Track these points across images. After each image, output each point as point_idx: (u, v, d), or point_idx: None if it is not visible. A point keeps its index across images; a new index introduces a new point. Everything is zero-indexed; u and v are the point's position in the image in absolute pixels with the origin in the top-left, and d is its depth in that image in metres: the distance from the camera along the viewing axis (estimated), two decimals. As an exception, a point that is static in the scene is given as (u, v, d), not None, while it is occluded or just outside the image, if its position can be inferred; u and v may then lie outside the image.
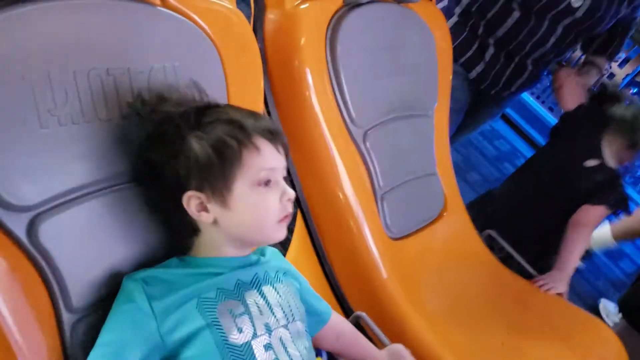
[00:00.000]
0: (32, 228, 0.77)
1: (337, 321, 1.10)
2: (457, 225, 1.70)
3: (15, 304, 0.76)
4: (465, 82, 2.00)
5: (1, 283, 0.75)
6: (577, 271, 1.84)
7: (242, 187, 0.83)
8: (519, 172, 2.19)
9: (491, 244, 1.85)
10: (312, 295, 1.03)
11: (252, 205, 0.84)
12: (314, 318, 1.01)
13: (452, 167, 1.76)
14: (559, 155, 1.99)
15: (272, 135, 0.85)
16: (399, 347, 1.17)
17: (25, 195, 0.76)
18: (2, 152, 0.74)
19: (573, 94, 2.01)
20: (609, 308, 2.86)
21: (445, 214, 1.67)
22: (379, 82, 1.46)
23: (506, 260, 1.81)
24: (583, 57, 2.15)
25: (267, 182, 0.84)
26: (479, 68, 1.97)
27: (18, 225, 0.76)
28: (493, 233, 1.85)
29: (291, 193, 0.86)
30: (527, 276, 1.78)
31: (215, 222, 0.85)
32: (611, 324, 2.37)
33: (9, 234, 0.76)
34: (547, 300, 1.66)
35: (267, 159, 0.84)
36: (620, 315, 2.27)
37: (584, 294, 2.85)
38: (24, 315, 0.77)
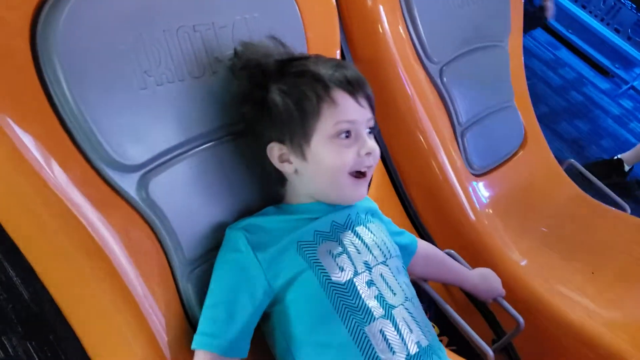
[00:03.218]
0: (141, 186, 0.81)
1: (423, 247, 1.13)
2: (538, 157, 1.66)
3: (133, 259, 0.80)
4: None
5: (119, 241, 0.79)
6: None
7: (319, 140, 0.83)
8: None
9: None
10: (396, 233, 1.04)
11: (327, 156, 0.84)
12: (401, 252, 1.03)
13: (529, 97, 1.71)
14: None
15: (353, 87, 0.84)
16: (488, 269, 1.21)
17: (133, 155, 0.79)
18: (109, 116, 0.76)
19: None
20: None
21: (525, 146, 1.63)
22: (452, 14, 1.41)
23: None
24: None
25: (347, 136, 0.84)
26: None
27: (129, 184, 0.80)
28: (574, 162, 1.80)
29: (370, 146, 0.85)
30: (611, 203, 1.73)
31: (296, 172, 0.87)
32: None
33: (122, 193, 0.80)
34: (637, 226, 1.62)
35: (344, 112, 0.83)
36: None
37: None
38: (142, 269, 0.81)
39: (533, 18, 2.05)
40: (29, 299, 1.05)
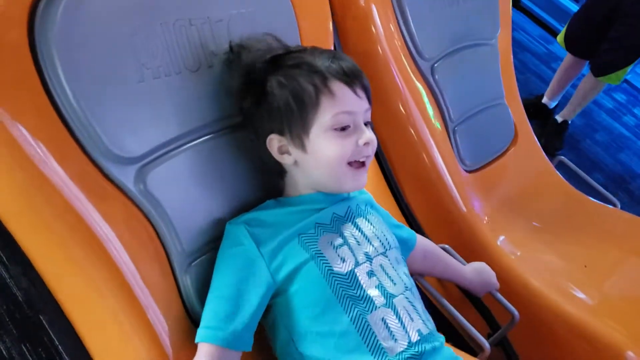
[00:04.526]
0: (139, 179, 0.81)
1: (422, 242, 1.14)
2: (529, 154, 1.67)
3: (132, 252, 0.80)
4: None
5: (118, 233, 0.79)
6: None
7: (318, 131, 0.84)
8: None
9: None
10: (394, 226, 1.05)
11: (326, 147, 0.84)
12: (401, 246, 1.03)
13: (518, 95, 1.72)
14: None
15: (350, 78, 0.85)
16: (482, 264, 1.21)
17: (131, 148, 0.80)
18: (107, 109, 0.77)
19: None
20: None
21: (516, 143, 1.64)
22: (442, 12, 1.43)
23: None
24: None
25: (344, 127, 0.85)
26: None
27: (127, 177, 0.80)
28: (565, 159, 1.82)
29: (368, 137, 0.86)
30: (602, 199, 1.75)
31: (296, 163, 0.87)
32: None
33: (120, 186, 0.80)
34: (628, 221, 1.63)
35: (342, 103, 0.84)
36: None
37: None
38: (141, 262, 0.81)
39: None
40: (23, 301, 1.04)
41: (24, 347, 1.12)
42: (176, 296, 0.85)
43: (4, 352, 1.13)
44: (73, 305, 0.81)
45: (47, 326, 0.87)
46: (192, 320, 0.85)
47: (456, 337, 1.28)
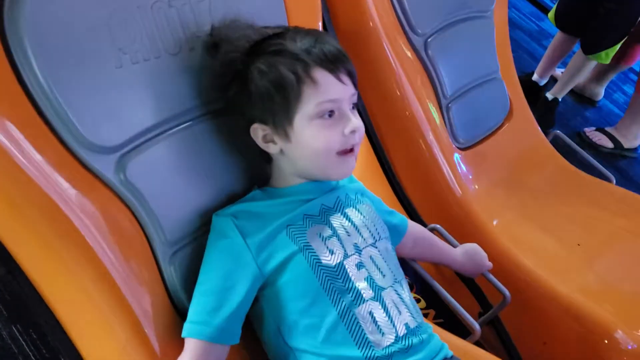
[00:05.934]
0: (119, 168, 0.79)
1: (413, 228, 1.12)
2: (524, 129, 1.65)
3: (113, 242, 0.79)
4: None
5: (98, 223, 0.77)
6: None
7: (302, 121, 0.81)
8: None
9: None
10: (386, 212, 1.04)
11: (311, 138, 0.82)
12: (391, 232, 1.02)
13: (514, 69, 1.69)
14: None
15: (333, 64, 0.81)
16: (473, 245, 1.20)
17: (110, 137, 0.77)
18: (83, 96, 0.74)
19: None
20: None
21: (511, 118, 1.61)
22: (435, -16, 1.39)
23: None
24: None
25: (330, 114, 0.82)
26: None
27: (106, 166, 0.78)
28: (560, 134, 1.79)
29: (354, 124, 0.83)
30: (597, 174, 1.74)
31: (281, 152, 0.85)
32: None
33: (100, 176, 0.78)
34: (622, 197, 1.62)
35: (326, 92, 0.81)
36: None
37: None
38: (123, 252, 0.79)
39: None
40: (11, 282, 1.03)
41: (14, 328, 1.12)
42: (160, 285, 0.84)
43: (-5, 334, 1.13)
44: (55, 296, 0.80)
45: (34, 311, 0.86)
46: (177, 309, 0.84)
47: (450, 314, 1.27)
